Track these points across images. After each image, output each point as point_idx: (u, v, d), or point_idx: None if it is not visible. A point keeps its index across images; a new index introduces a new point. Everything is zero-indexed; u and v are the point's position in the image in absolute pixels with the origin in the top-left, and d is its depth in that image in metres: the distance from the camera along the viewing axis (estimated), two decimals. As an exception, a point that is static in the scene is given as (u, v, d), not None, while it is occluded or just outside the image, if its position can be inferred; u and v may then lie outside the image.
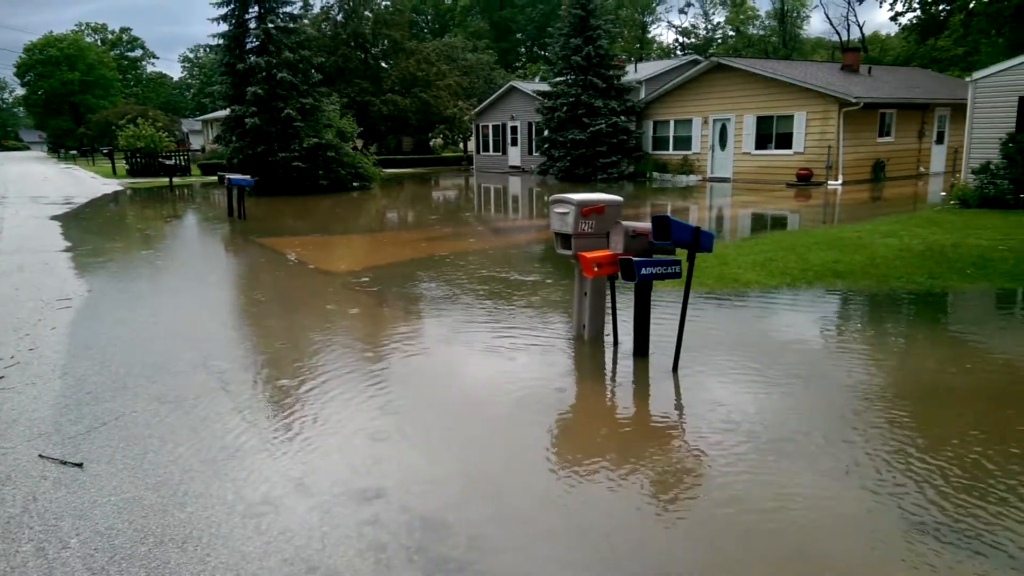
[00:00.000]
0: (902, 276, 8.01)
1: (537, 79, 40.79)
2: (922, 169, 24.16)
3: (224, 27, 22.95)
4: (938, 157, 24.67)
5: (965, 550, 2.97)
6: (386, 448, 4.05)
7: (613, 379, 5.30)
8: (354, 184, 24.12)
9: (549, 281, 8.55)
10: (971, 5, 28.15)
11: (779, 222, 14.36)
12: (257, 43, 22.68)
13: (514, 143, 34.24)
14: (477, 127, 37.16)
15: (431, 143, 47.74)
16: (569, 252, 5.84)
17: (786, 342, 6.00)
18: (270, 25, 22.59)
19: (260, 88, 21.87)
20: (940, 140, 24.68)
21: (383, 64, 41.85)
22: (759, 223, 14.28)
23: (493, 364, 5.57)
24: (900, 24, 38.40)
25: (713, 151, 24.95)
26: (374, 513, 3.33)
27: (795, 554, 3.01)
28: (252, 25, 22.83)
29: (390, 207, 19.90)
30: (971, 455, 3.79)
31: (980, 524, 3.15)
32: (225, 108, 24.16)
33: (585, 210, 5.71)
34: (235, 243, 12.89)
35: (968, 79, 14.85)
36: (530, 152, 32.48)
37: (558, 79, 27.36)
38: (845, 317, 6.95)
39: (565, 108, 26.59)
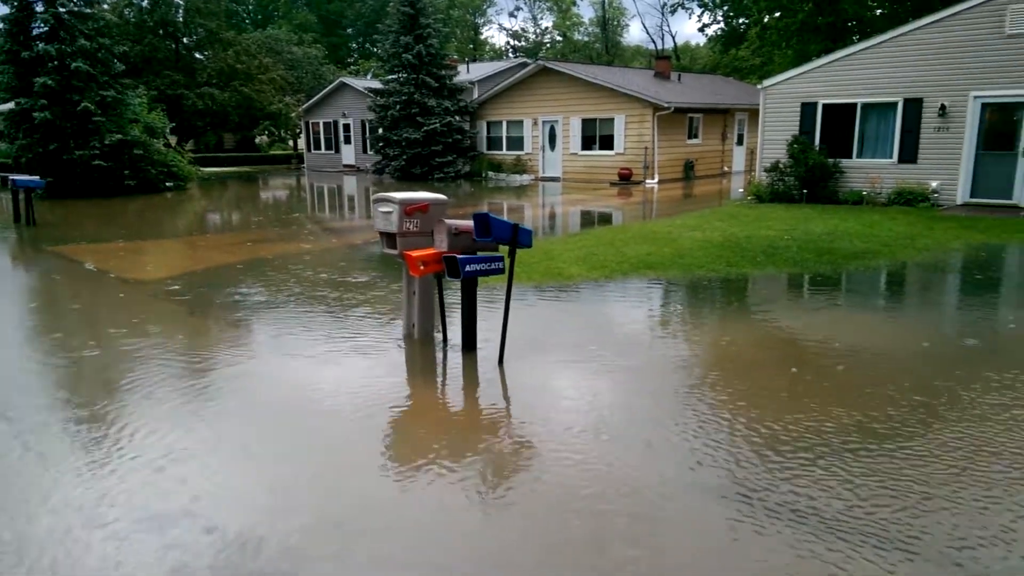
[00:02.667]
0: (704, 265, 8.80)
1: (369, 76, 39.97)
2: (726, 168, 26.65)
3: (5, 9, 20.32)
4: (739, 157, 27.35)
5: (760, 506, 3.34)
6: (193, 467, 3.79)
7: (442, 376, 5.34)
8: (167, 184, 22.32)
9: (379, 282, 8.43)
10: (765, 20, 31.50)
11: (601, 219, 15.19)
12: (46, 28, 20.29)
13: (347, 141, 33.35)
14: (307, 124, 35.72)
15: (256, 140, 45.25)
16: (395, 251, 5.80)
17: (607, 330, 6.37)
18: (61, 9, 20.27)
19: (51, 79, 19.58)
20: (740, 142, 27.38)
21: (198, 55, 39.03)
22: (583, 220, 15.03)
23: (318, 370, 5.39)
24: (707, 35, 42.14)
25: (544, 151, 25.87)
26: (177, 536, 3.10)
27: (617, 534, 3.20)
28: (39, 8, 20.36)
29: (209, 208, 18.62)
30: (760, 417, 4.25)
31: (762, 477, 3.55)
32: (8, 101, 21.36)
33: (409, 209, 5.70)
34: (21, 252, 11.44)
35: (760, 86, 16.57)
36: (365, 150, 31.79)
37: (390, 77, 27.00)
38: (657, 303, 7.51)
39: (399, 106, 26.34)
